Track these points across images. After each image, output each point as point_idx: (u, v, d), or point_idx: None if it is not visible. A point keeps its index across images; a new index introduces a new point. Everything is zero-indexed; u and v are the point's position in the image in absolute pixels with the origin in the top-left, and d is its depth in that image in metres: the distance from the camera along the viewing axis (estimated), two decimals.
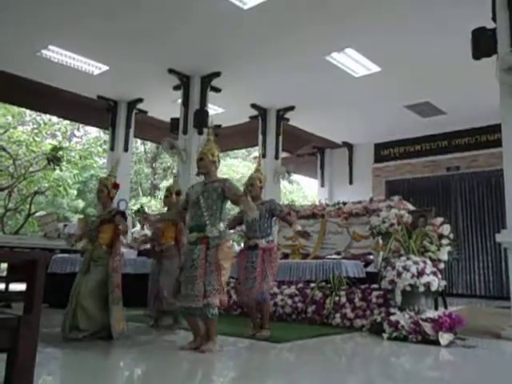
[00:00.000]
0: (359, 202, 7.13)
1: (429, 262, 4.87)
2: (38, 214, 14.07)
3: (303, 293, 5.83)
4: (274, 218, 4.81)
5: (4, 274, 8.67)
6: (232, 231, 4.91)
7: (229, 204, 4.10)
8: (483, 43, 5.17)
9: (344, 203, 7.30)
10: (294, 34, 7.21)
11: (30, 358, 1.96)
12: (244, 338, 4.49)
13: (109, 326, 4.19)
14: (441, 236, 5.20)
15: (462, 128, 11.30)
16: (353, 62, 8.14)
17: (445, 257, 5.12)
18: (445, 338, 4.27)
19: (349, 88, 9.13)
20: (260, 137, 10.73)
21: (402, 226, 5.34)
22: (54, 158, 13.56)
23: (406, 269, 4.73)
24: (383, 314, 4.88)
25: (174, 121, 9.28)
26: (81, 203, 19.98)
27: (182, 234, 5.14)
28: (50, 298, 6.14)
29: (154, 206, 20.18)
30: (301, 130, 11.86)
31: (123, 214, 4.58)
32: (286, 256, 7.21)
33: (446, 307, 5.39)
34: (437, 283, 4.73)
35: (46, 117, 16.89)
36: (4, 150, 14.64)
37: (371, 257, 6.93)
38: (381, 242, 6.07)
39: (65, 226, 8.23)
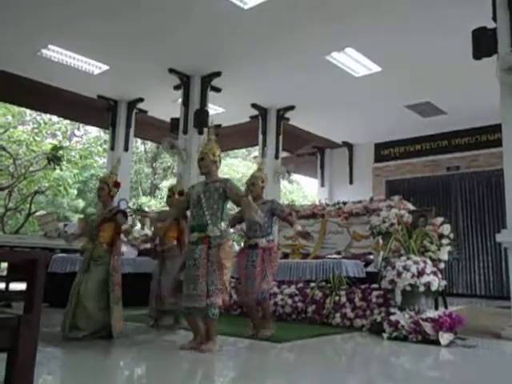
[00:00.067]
0: (359, 202, 7.14)
1: (429, 261, 4.87)
2: (38, 214, 14.08)
3: (303, 292, 5.83)
4: (274, 218, 4.81)
5: (4, 273, 8.68)
6: (232, 230, 4.91)
7: (229, 204, 4.10)
8: (483, 43, 5.17)
9: (344, 203, 7.30)
10: (294, 33, 7.21)
11: (30, 357, 1.96)
12: (244, 337, 4.48)
13: (109, 325, 4.20)
14: (441, 236, 5.20)
15: (462, 128, 11.30)
16: (353, 62, 8.14)
17: (445, 256, 5.12)
18: (445, 337, 4.27)
19: (349, 88, 9.13)
20: (260, 136, 10.72)
21: (402, 225, 5.34)
22: (54, 158, 13.57)
23: (406, 268, 4.73)
24: (383, 314, 4.88)
25: (174, 120, 9.28)
26: (81, 203, 19.99)
27: (184, 234, 5.14)
28: (50, 298, 6.15)
29: (154, 205, 20.18)
30: (301, 129, 11.86)
31: (124, 213, 4.57)
32: (286, 256, 7.21)
33: (446, 307, 5.39)
34: (437, 283, 4.73)
35: (47, 116, 16.89)
36: (4, 149, 14.64)
37: (371, 256, 6.94)
38: (381, 241, 6.07)
39: (65, 225, 8.23)
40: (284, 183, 19.22)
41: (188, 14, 6.79)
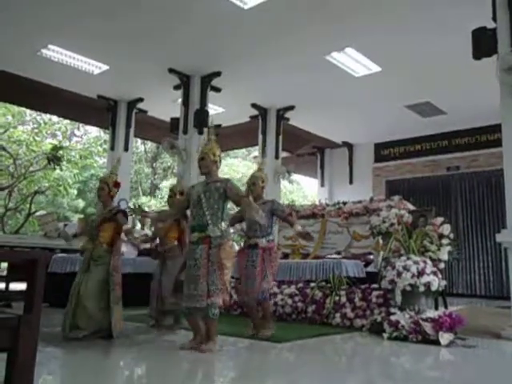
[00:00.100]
0: (359, 202, 7.13)
1: (429, 261, 4.87)
2: (38, 214, 14.07)
3: (303, 292, 5.83)
4: (274, 218, 4.81)
5: (4, 273, 8.68)
6: (232, 230, 4.90)
7: (229, 204, 4.10)
8: (483, 43, 5.17)
9: (344, 203, 7.30)
10: (294, 33, 7.21)
11: (30, 357, 1.96)
12: (244, 338, 4.48)
13: (109, 325, 4.20)
14: (441, 236, 5.20)
15: (462, 128, 11.30)
16: (353, 62, 8.14)
17: (445, 256, 5.12)
18: (445, 337, 4.27)
19: (349, 88, 9.13)
20: (260, 136, 10.73)
21: (402, 225, 5.34)
22: (54, 158, 13.56)
23: (406, 268, 4.73)
24: (383, 314, 4.88)
25: (174, 120, 9.28)
26: (81, 203, 19.99)
27: (185, 234, 5.13)
28: (50, 298, 6.15)
29: (154, 205, 20.18)
30: (301, 129, 11.86)
31: (125, 213, 4.57)
32: (286, 256, 7.21)
33: (446, 307, 5.39)
34: (437, 283, 4.73)
35: (46, 116, 16.88)
36: (4, 149, 14.64)
37: (371, 256, 6.94)
38: (381, 241, 6.07)
39: (65, 225, 8.23)
40: (284, 183, 19.23)
41: (188, 13, 6.79)
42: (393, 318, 4.64)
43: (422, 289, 4.68)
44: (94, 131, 20.63)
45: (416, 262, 4.77)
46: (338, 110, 10.51)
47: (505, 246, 4.99)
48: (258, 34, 7.33)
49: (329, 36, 7.28)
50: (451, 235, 5.24)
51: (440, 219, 5.37)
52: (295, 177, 21.81)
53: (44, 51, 8.03)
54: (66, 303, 4.31)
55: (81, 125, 19.50)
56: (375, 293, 5.36)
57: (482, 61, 5.30)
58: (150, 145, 22.92)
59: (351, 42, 7.49)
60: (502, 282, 10.04)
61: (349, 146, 13.37)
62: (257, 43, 7.60)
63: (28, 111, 16.41)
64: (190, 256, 3.91)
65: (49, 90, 9.50)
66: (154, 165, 23.95)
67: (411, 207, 6.44)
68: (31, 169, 15.45)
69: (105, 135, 17.71)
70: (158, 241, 5.58)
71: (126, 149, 10.50)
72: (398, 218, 5.46)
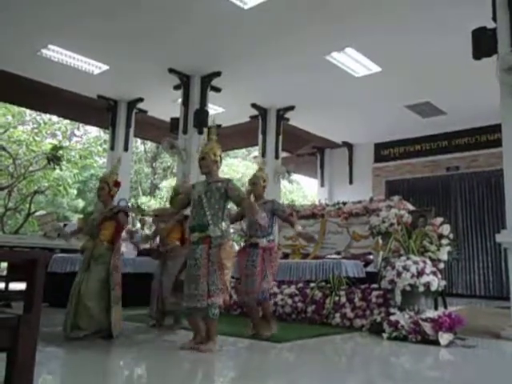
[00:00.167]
0: (359, 202, 7.14)
1: (429, 261, 4.88)
2: (37, 214, 14.07)
3: (303, 292, 5.83)
4: (275, 218, 4.80)
5: (4, 273, 8.68)
6: (232, 230, 4.90)
7: (230, 204, 4.10)
8: (483, 43, 5.17)
9: (344, 203, 7.30)
10: (294, 33, 7.21)
11: (29, 357, 1.96)
12: (244, 338, 4.48)
13: (109, 325, 4.20)
14: (441, 236, 5.21)
15: (462, 128, 11.30)
16: (353, 62, 8.14)
17: (444, 257, 5.12)
18: (445, 337, 4.28)
19: (349, 88, 9.13)
20: (260, 136, 10.73)
21: (402, 225, 5.34)
22: (53, 158, 13.56)
23: (405, 269, 4.73)
24: (383, 314, 4.88)
25: (174, 120, 9.28)
26: (81, 203, 19.99)
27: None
28: (50, 298, 6.15)
29: (154, 205, 20.18)
30: (301, 129, 11.86)
31: (126, 213, 4.57)
32: (286, 256, 7.21)
33: (445, 307, 5.39)
34: (436, 283, 4.73)
35: (46, 116, 16.88)
36: (4, 149, 14.64)
37: (371, 257, 6.94)
38: (381, 241, 6.07)
39: (65, 225, 8.23)
40: (284, 183, 19.21)
41: (188, 13, 6.79)
42: (392, 318, 4.64)
43: (421, 289, 4.68)
44: (93, 131, 20.64)
45: (416, 262, 4.77)
46: (337, 109, 10.51)
47: (504, 246, 4.99)
48: (258, 34, 7.32)
49: (329, 36, 7.28)
50: (451, 235, 5.24)
51: (440, 219, 5.38)
52: (295, 177, 21.81)
53: (44, 51, 8.03)
54: (65, 303, 4.30)
55: (81, 125, 19.50)
56: (375, 293, 5.36)
57: (482, 61, 5.30)
58: (149, 145, 22.92)
59: (351, 42, 7.49)
60: (502, 283, 10.04)
61: (349, 146, 13.37)
62: (257, 43, 7.60)
63: (28, 111, 16.41)
64: (190, 256, 3.91)
65: (49, 90, 9.50)
66: (154, 165, 23.96)
67: (411, 207, 6.45)
68: (31, 169, 15.45)
69: (105, 135, 17.70)
70: (158, 241, 5.58)
71: (126, 149, 10.50)
72: (398, 218, 5.46)
